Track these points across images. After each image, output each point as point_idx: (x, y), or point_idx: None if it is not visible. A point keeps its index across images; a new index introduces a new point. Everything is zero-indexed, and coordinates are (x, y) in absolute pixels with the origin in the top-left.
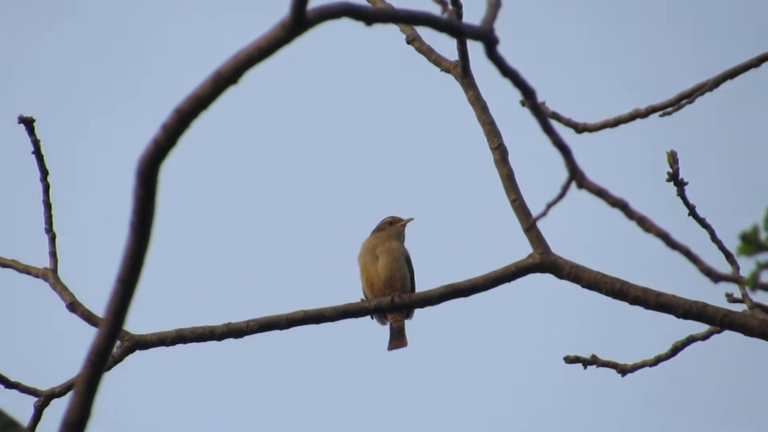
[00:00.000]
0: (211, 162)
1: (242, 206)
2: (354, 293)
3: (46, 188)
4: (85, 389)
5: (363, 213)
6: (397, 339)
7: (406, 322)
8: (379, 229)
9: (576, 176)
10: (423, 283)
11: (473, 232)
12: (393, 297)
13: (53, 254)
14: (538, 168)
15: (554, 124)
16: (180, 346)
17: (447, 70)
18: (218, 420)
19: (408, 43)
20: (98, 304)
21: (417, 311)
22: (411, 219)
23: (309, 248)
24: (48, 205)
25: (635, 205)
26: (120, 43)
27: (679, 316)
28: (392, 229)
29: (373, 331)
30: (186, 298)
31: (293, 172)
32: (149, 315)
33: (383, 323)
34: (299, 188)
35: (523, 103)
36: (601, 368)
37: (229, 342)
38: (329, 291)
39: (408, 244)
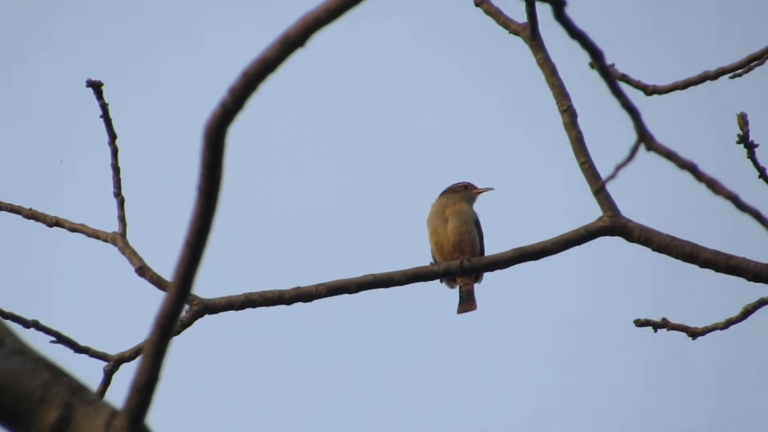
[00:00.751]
0: (279, 125)
1: (310, 170)
2: (423, 257)
3: (115, 152)
4: (153, 353)
5: (431, 175)
6: (467, 302)
7: (476, 285)
8: (451, 191)
9: (645, 138)
10: (492, 247)
11: (542, 195)
12: (462, 260)
13: (122, 218)
14: (607, 130)
15: (623, 86)
16: (248, 311)
17: (515, 33)
18: (285, 385)
19: (476, 5)
20: (167, 268)
21: (486, 275)
22: (490, 189)
23: (377, 212)
24: (116, 169)
25: (704, 168)
26: (188, 5)
27: (749, 279)
28: (466, 193)
29: (443, 294)
30: (254, 263)
31: (361, 135)
32: (218, 280)
33: (452, 287)
34: (367, 151)
35: (591, 66)
36: (671, 331)
37: (298, 306)
38: (398, 255)
39: (476, 207)
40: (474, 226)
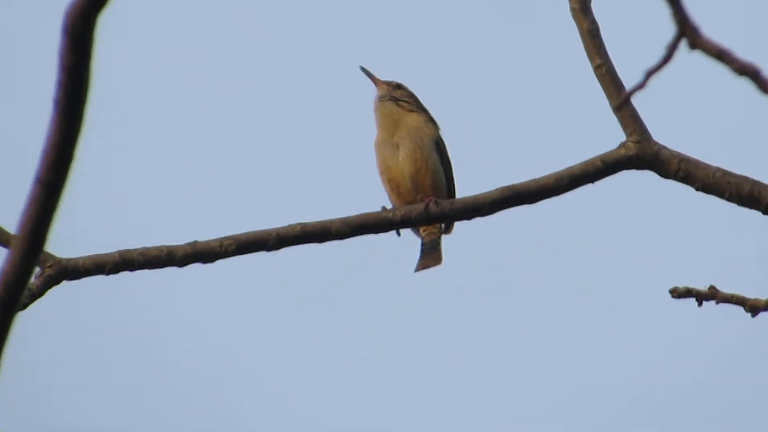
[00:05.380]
0: (181, 25)
1: (225, 88)
2: (378, 201)
3: None
4: None
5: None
6: (429, 256)
7: (443, 236)
8: (387, 99)
9: (687, 31)
10: (472, 184)
11: (542, 114)
12: (428, 204)
13: None
14: (633, 25)
15: None
16: (125, 275)
17: None
18: (181, 364)
19: None
20: (10, 217)
21: (459, 224)
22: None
23: (316, 147)
24: None
25: None
26: None
27: None
28: (380, 96)
29: (400, 245)
30: (136, 210)
31: (294, 48)
32: (85, 233)
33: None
34: (307, 70)
35: None
36: (721, 305)
37: (195, 268)
38: (347, 203)
39: (449, 128)
40: (434, 149)
